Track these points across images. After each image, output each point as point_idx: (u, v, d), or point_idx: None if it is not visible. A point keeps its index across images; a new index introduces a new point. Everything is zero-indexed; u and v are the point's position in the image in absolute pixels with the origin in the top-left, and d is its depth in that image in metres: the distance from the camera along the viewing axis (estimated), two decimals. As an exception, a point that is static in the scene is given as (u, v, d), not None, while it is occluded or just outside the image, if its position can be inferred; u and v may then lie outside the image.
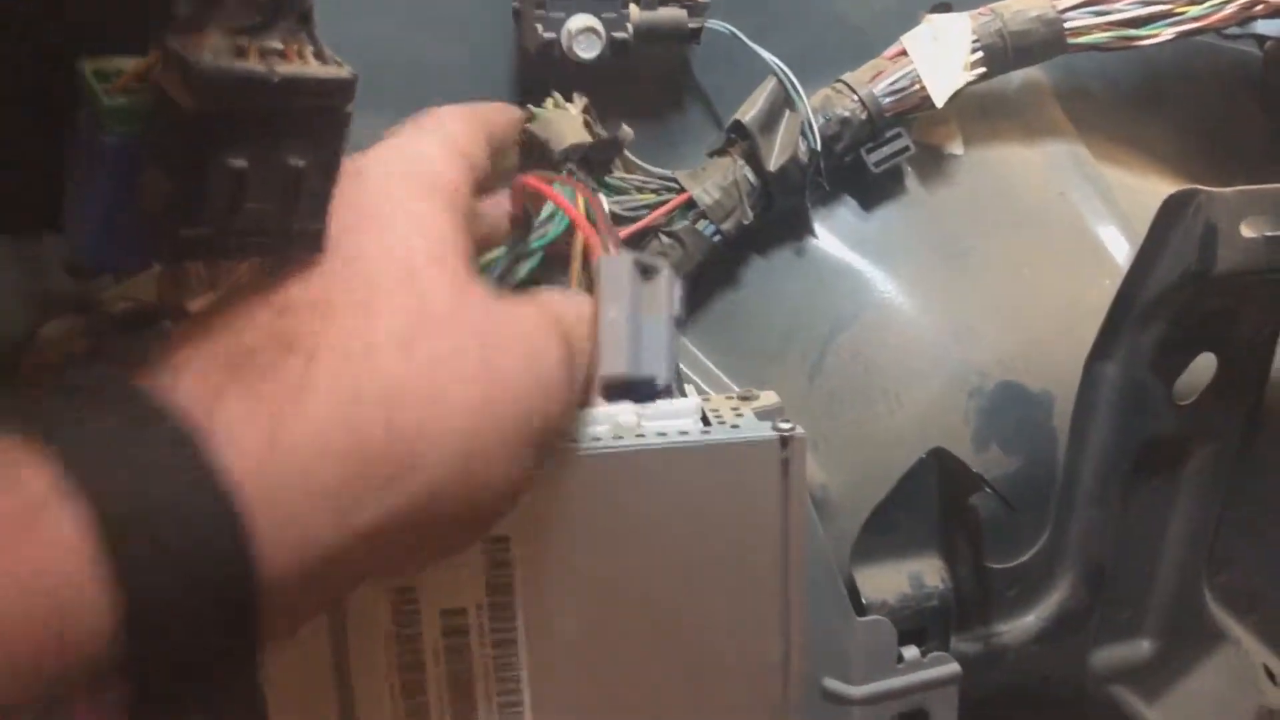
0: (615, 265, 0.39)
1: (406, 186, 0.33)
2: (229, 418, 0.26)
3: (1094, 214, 0.63)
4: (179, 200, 0.28)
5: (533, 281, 0.48)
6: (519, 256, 0.47)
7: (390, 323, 0.29)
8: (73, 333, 0.36)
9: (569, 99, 0.54)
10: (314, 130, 0.28)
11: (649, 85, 0.59)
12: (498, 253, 0.47)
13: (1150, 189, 0.66)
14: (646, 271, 0.39)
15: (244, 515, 0.25)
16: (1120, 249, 0.62)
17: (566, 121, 0.53)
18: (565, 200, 0.45)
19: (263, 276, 0.30)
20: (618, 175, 0.56)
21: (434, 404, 0.29)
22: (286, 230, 0.29)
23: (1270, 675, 0.68)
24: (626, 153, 0.56)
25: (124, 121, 0.28)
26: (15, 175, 0.31)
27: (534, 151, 0.53)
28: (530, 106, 0.54)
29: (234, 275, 0.31)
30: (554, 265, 0.51)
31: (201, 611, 0.25)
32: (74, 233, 0.32)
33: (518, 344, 0.32)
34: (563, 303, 0.37)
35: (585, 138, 0.52)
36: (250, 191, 0.28)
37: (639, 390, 0.39)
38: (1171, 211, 0.52)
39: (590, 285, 0.49)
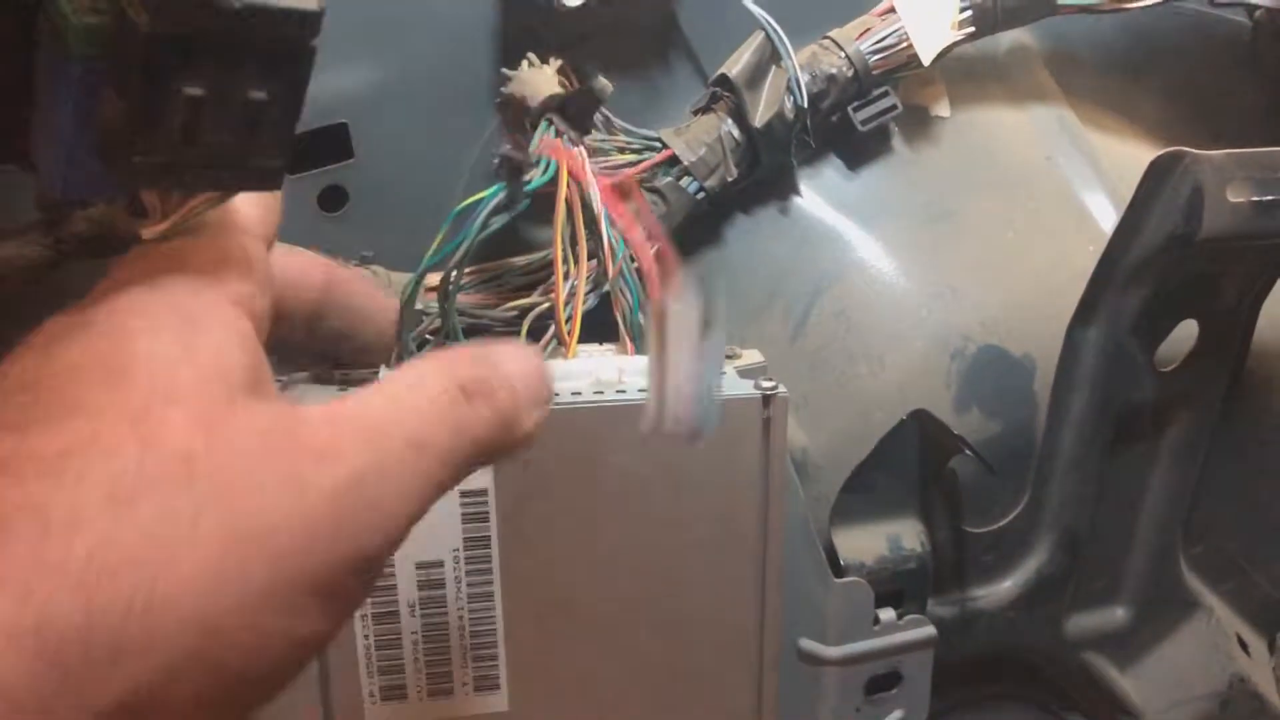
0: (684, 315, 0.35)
1: (161, 308, 0.28)
2: None
3: (1080, 179, 0.63)
4: (133, 125, 0.27)
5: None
6: (503, 204, 0.46)
7: (102, 481, 0.24)
8: (23, 244, 0.35)
9: (546, 62, 0.54)
10: (276, 63, 0.27)
11: (634, 41, 0.58)
12: (487, 193, 0.46)
13: (1136, 156, 0.66)
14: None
15: None
16: (1106, 215, 0.62)
17: (542, 79, 0.52)
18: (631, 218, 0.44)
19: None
20: (599, 137, 0.55)
21: (156, 572, 0.24)
22: (244, 164, 0.28)
23: (1242, 644, 0.69)
24: (608, 114, 0.55)
25: (91, 43, 0.27)
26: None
27: (511, 111, 0.53)
28: (505, 70, 0.53)
29: (188, 207, 0.30)
30: (544, 214, 0.50)
31: None
32: (41, 162, 0.31)
33: (293, 479, 0.26)
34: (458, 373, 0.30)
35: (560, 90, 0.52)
36: (207, 122, 0.27)
37: None
38: (1159, 173, 0.51)
39: (574, 238, 0.48)
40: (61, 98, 0.28)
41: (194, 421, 0.26)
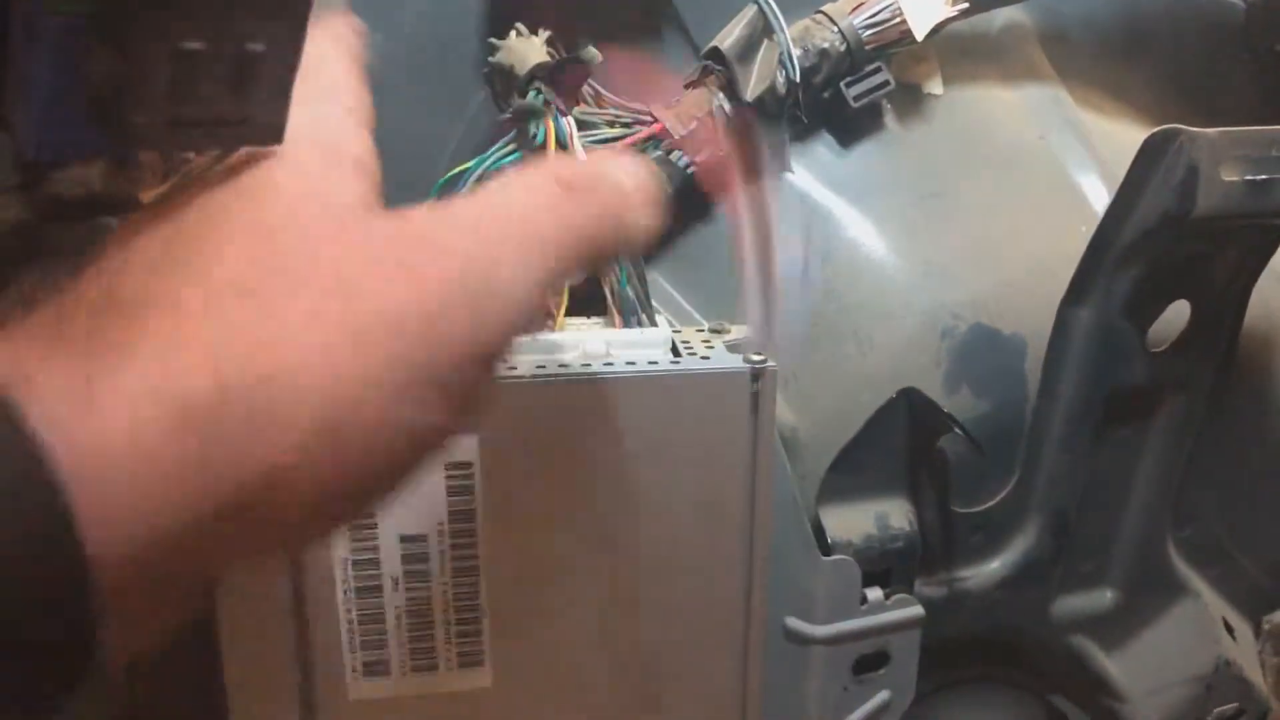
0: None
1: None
2: (48, 385, 0.23)
3: (1073, 159, 0.62)
4: (127, 83, 0.26)
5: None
6: (488, 174, 0.46)
7: (233, 269, 0.26)
8: (7, 211, 0.34)
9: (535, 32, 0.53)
10: (272, 12, 0.27)
11: (625, 13, 0.58)
12: (470, 164, 0.45)
13: (1129, 136, 0.65)
14: None
15: (62, 488, 0.22)
16: (1098, 195, 0.61)
17: (530, 48, 0.52)
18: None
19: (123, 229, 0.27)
20: (587, 110, 0.55)
21: (283, 355, 0.25)
22: (243, 120, 0.28)
23: (1228, 628, 0.69)
24: (598, 86, 0.55)
25: None
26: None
27: (499, 81, 0.52)
28: (493, 39, 0.53)
29: (189, 166, 0.29)
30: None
31: (24, 590, 0.22)
32: (17, 121, 0.30)
33: (408, 271, 0.27)
34: (588, 174, 0.31)
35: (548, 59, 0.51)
36: (204, 77, 0.26)
37: None
38: (1153, 151, 0.51)
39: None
40: (38, 53, 0.27)
41: (322, 224, 0.27)
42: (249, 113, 0.28)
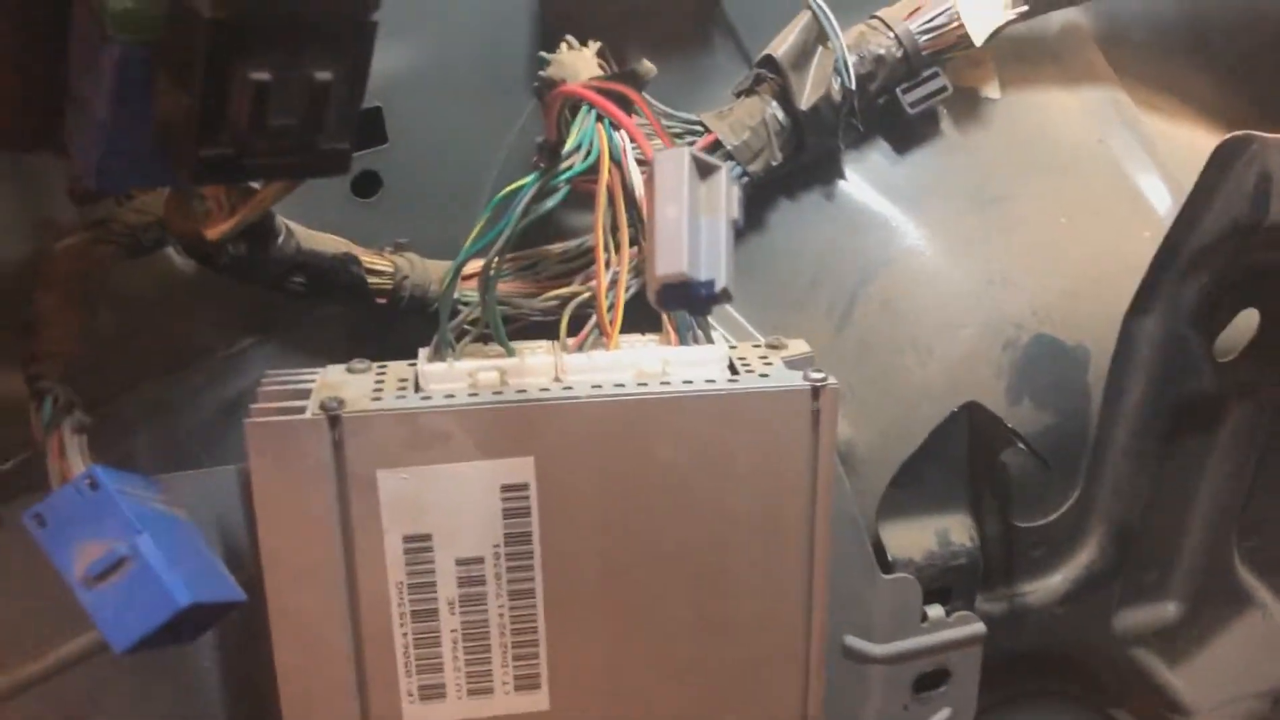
0: (673, 159, 0.35)
1: None
2: None
3: (1135, 163, 0.61)
4: (198, 116, 0.25)
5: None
6: (544, 191, 0.45)
7: None
8: (88, 242, 0.34)
9: (585, 44, 0.52)
10: (338, 40, 0.26)
11: (676, 22, 0.57)
12: (527, 180, 0.45)
13: (1192, 139, 0.64)
14: (704, 170, 0.35)
15: None
16: (1162, 200, 0.60)
17: (581, 61, 0.51)
18: (600, 98, 0.42)
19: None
20: (638, 122, 0.54)
21: None
22: (311, 149, 0.27)
23: (1297, 641, 0.67)
24: (648, 97, 0.54)
25: (131, 27, 0.26)
26: (9, 88, 0.29)
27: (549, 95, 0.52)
28: (543, 53, 0.52)
29: (256, 199, 0.28)
30: (578, 200, 0.49)
31: None
32: (76, 150, 0.30)
33: None
34: None
35: (600, 73, 0.50)
36: (273, 106, 0.26)
37: (696, 294, 0.35)
38: (1224, 158, 0.50)
39: (615, 224, 0.47)
40: (101, 85, 0.27)
41: None
42: (317, 141, 0.27)
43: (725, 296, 0.34)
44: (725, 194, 0.34)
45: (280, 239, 0.46)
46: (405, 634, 0.44)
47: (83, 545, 0.36)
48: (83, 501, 0.37)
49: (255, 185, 0.31)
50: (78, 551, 0.36)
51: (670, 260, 0.33)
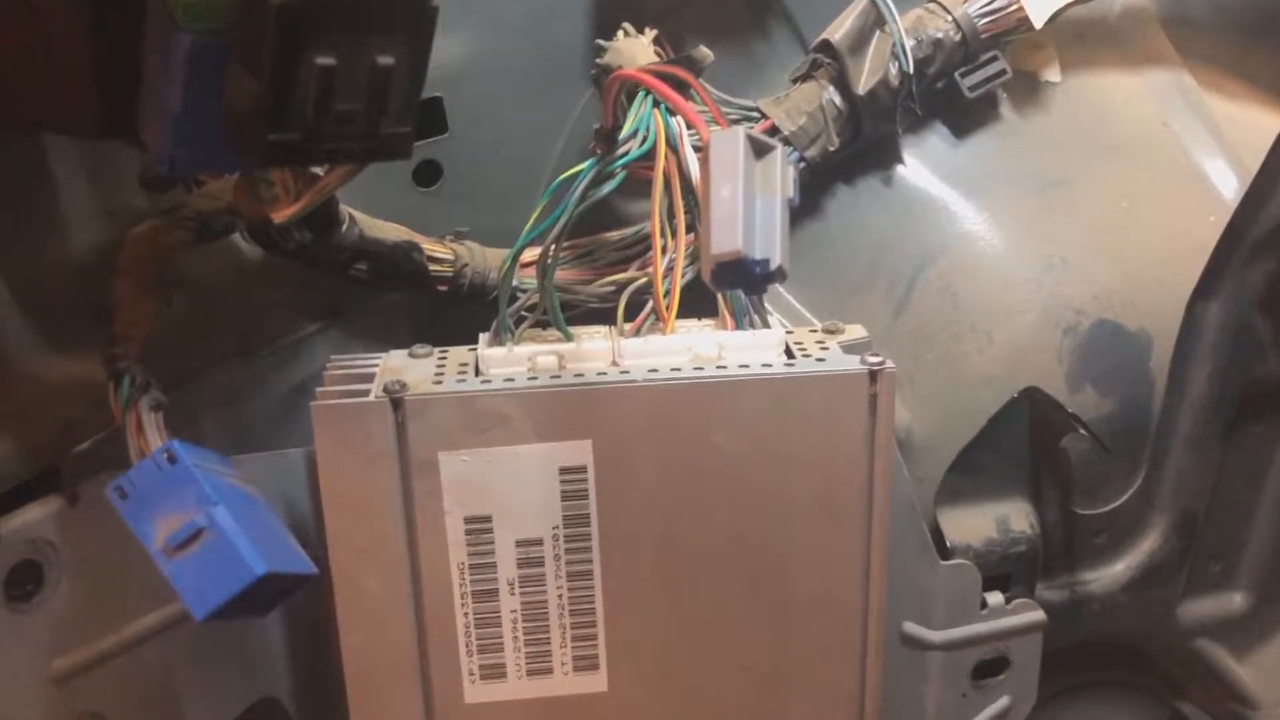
0: (728, 140, 0.35)
1: None
2: None
3: (1199, 146, 0.60)
4: (267, 102, 0.26)
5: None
6: (601, 176, 0.45)
7: None
8: (160, 228, 0.35)
9: (642, 31, 0.53)
10: (401, 25, 0.27)
11: (731, 7, 0.57)
12: (584, 166, 0.45)
13: (1258, 120, 0.63)
14: (759, 150, 0.35)
15: None
16: (1227, 183, 0.59)
17: (638, 48, 0.51)
18: (656, 81, 0.42)
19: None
20: (695, 108, 0.54)
21: None
22: (375, 134, 0.28)
23: (1369, 633, 0.66)
24: (704, 83, 0.54)
25: (201, 17, 0.27)
26: (83, 76, 0.30)
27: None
28: (600, 40, 0.52)
29: (322, 183, 0.29)
30: (635, 188, 0.49)
31: None
32: (149, 138, 0.31)
33: None
34: None
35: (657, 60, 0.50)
36: (339, 91, 0.27)
37: (750, 273, 0.35)
38: (1292, 139, 0.49)
39: (671, 211, 0.47)
40: (172, 74, 0.28)
41: None
42: (381, 125, 0.28)
43: (780, 275, 0.34)
44: (780, 173, 0.34)
45: (344, 227, 0.47)
46: (466, 614, 0.45)
47: (162, 517, 0.37)
48: (161, 475, 0.38)
49: (319, 171, 0.31)
50: (158, 523, 0.37)
51: (725, 238, 0.33)
